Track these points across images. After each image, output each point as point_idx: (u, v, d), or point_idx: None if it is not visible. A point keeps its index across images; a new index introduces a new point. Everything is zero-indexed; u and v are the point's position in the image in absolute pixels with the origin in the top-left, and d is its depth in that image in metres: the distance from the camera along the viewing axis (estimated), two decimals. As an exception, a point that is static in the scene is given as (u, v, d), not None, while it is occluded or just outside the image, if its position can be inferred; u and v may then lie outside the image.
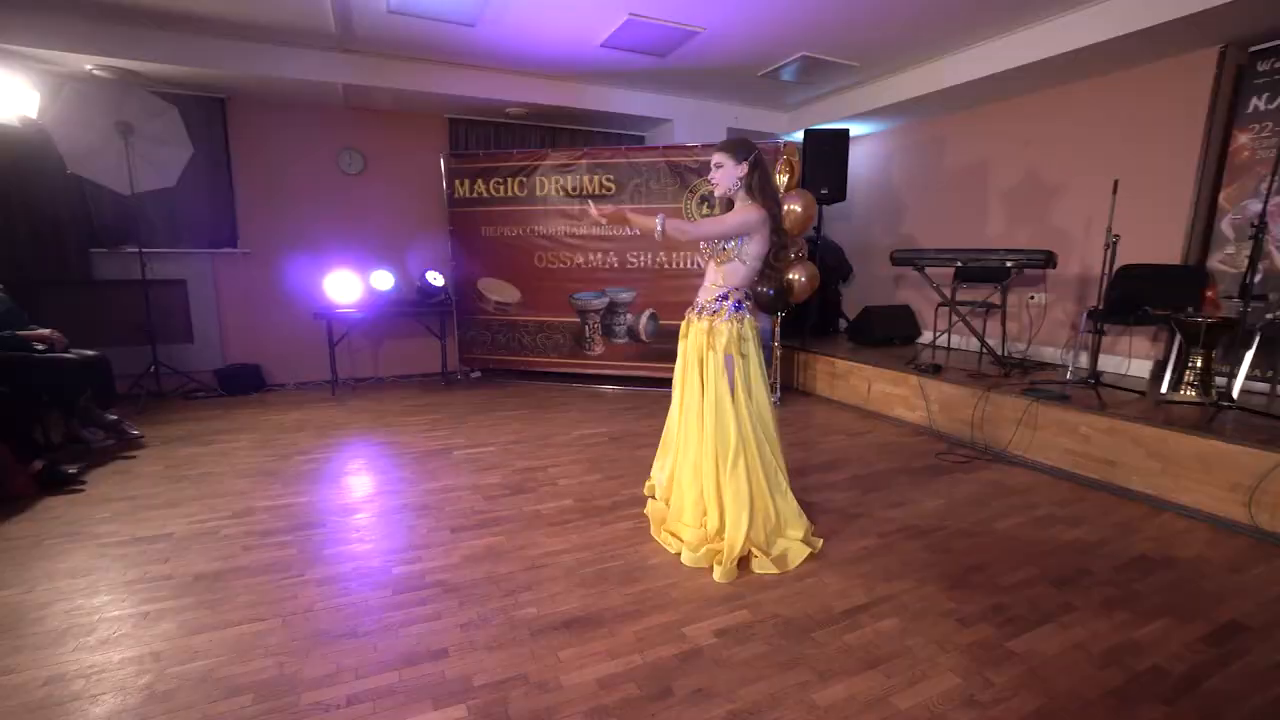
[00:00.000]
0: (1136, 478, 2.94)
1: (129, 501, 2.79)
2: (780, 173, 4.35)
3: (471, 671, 1.67)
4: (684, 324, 2.46)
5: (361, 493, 2.96)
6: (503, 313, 5.42)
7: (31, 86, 3.86)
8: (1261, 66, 3.56)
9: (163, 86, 4.38)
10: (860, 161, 6.18)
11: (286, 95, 4.75)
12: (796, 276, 4.47)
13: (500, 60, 4.67)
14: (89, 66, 4.02)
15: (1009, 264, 3.98)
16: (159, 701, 1.55)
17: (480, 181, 5.21)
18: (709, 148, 4.89)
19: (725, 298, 2.31)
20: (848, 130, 5.25)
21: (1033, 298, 4.70)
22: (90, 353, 3.53)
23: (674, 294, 4.90)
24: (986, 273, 4.35)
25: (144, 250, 4.28)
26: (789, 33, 4.16)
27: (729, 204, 2.35)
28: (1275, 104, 3.52)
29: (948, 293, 4.56)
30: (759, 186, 2.26)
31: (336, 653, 1.75)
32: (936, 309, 4.81)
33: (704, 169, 4.83)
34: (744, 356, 2.30)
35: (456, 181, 5.23)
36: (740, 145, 2.27)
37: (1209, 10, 3.20)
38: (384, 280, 4.99)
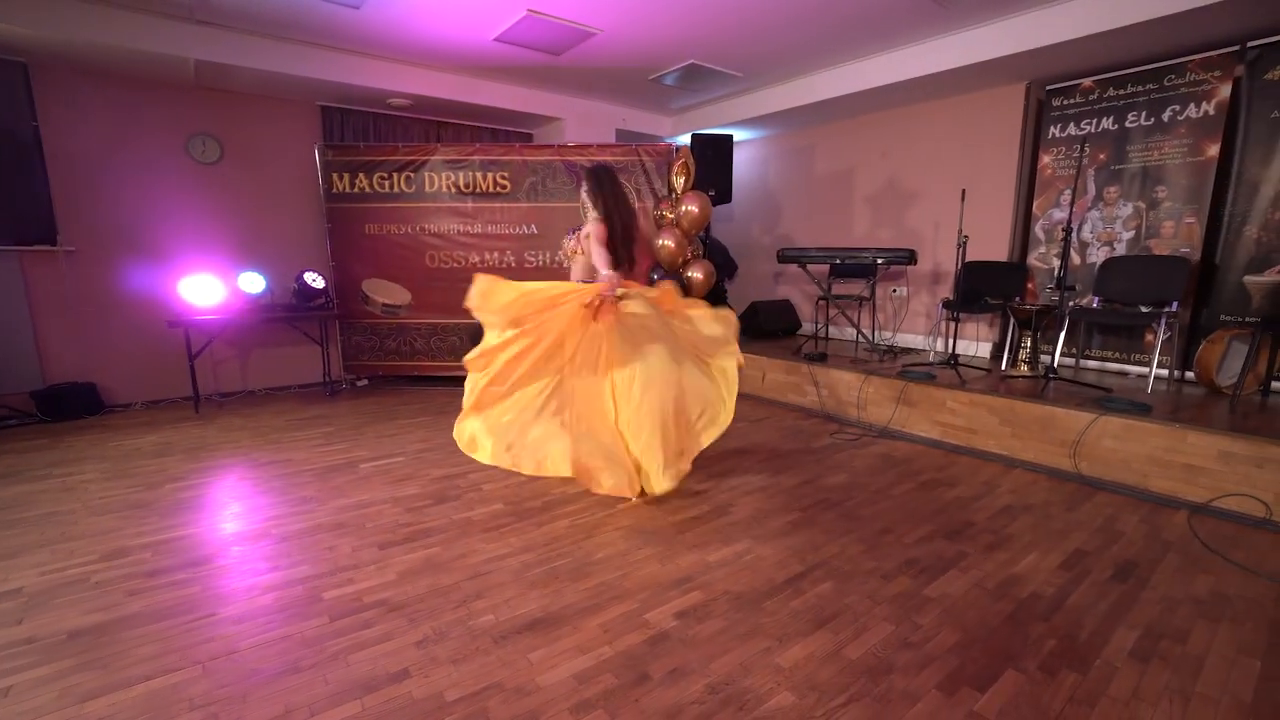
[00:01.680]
0: (993, 441, 3.47)
1: (-51, 557, 2.28)
2: (677, 175, 4.53)
3: (441, 688, 1.60)
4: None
5: (263, 517, 2.66)
6: (392, 315, 5.10)
7: None
8: (1055, 102, 4.35)
9: (-55, 48, 3.58)
10: (741, 165, 6.59)
11: (118, 65, 4.07)
12: (695, 274, 4.68)
13: (384, 47, 4.39)
14: None
15: (879, 260, 4.49)
16: (66, 779, 1.32)
17: (362, 176, 4.85)
18: (604, 147, 5.00)
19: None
20: (731, 135, 5.59)
21: (895, 291, 5.33)
22: None
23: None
24: (858, 269, 4.87)
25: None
26: (681, 40, 4.35)
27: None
28: (1066, 132, 4.31)
29: (824, 288, 5.04)
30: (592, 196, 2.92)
31: (280, 692, 1.59)
32: (816, 302, 5.29)
33: (601, 169, 4.94)
34: None
35: (334, 175, 4.83)
36: (587, 169, 2.99)
37: (1011, 56, 3.92)
38: (254, 283, 4.47)
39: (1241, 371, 3.31)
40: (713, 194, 5.53)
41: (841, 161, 5.72)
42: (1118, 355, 4.21)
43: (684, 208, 4.55)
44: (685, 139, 5.80)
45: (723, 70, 4.96)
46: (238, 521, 2.62)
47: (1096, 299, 4.02)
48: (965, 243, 3.95)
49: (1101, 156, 4.19)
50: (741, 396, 4.96)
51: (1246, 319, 3.65)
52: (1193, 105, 3.82)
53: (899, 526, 2.58)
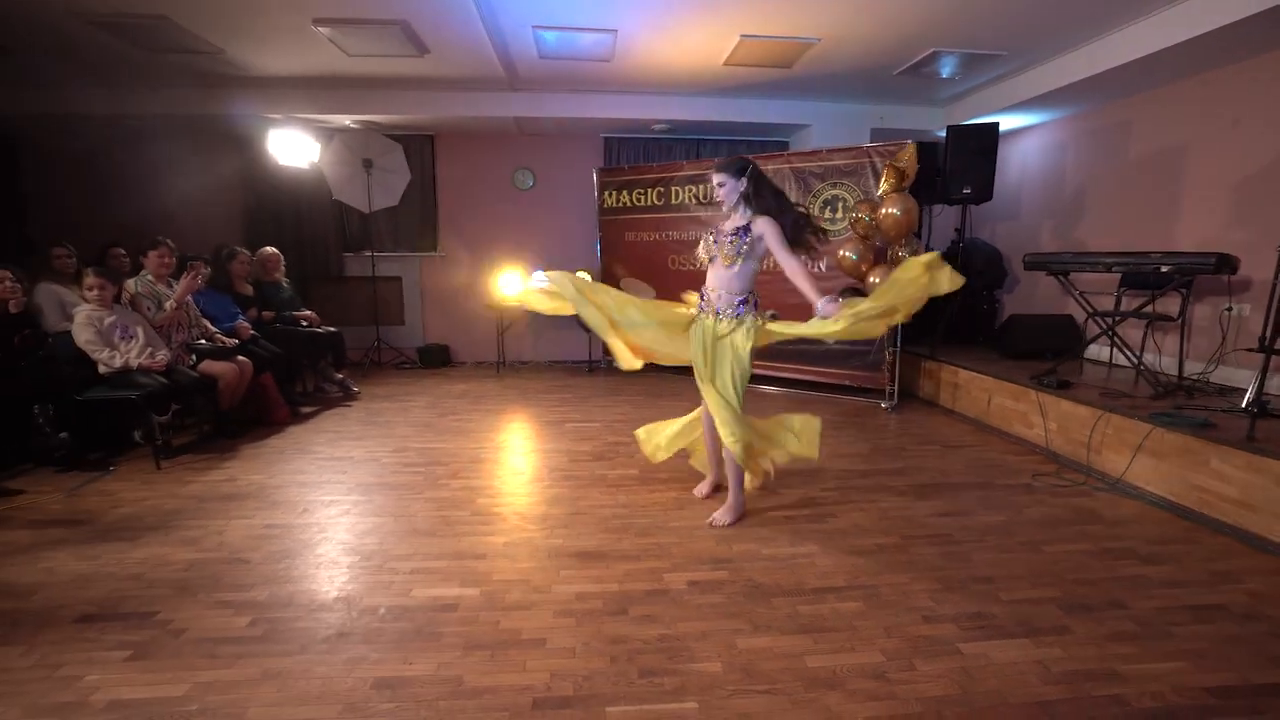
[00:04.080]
0: (1278, 526, 2.46)
1: (336, 434, 3.94)
2: (886, 179, 4.27)
3: (494, 570, 2.25)
4: (692, 320, 2.74)
5: (484, 446, 3.77)
6: (638, 309, 6.03)
7: (313, 139, 5.46)
8: None
9: (393, 130, 5.80)
10: (1030, 155, 5.57)
11: (475, 129, 5.92)
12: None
13: (639, 85, 5.26)
14: (348, 121, 5.53)
15: (1164, 269, 3.43)
16: (311, 550, 2.39)
17: (625, 192, 5.88)
18: (834, 151, 4.97)
19: (745, 301, 2.57)
20: (997, 124, 4.84)
21: (1229, 309, 3.91)
22: (332, 329, 4.92)
23: (794, 298, 5.03)
24: (1144, 279, 3.77)
25: (375, 254, 5.73)
26: (908, 31, 4.07)
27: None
28: None
29: (1111, 302, 4.02)
30: (755, 195, 2.52)
31: (418, 542, 2.46)
32: (1086, 320, 4.23)
33: (827, 173, 4.94)
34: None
35: (606, 193, 5.97)
36: (735, 163, 2.56)
37: None
38: (542, 279, 5.91)
39: None
40: (967, 191, 4.92)
41: (1168, 138, 4.38)
42: None
43: (884, 210, 4.27)
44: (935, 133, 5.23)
45: (978, 52, 4.39)
46: (469, 446, 3.76)
47: None
48: (1289, 246, 2.78)
49: None
50: (962, 419, 4.41)
51: None
52: None
53: (1006, 580, 2.20)
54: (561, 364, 6.51)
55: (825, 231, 2.83)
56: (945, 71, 4.87)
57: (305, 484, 3.09)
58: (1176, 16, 3.61)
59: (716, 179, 2.57)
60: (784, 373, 5.28)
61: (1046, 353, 4.87)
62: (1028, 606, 2.04)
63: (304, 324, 4.80)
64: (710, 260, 2.63)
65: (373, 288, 5.78)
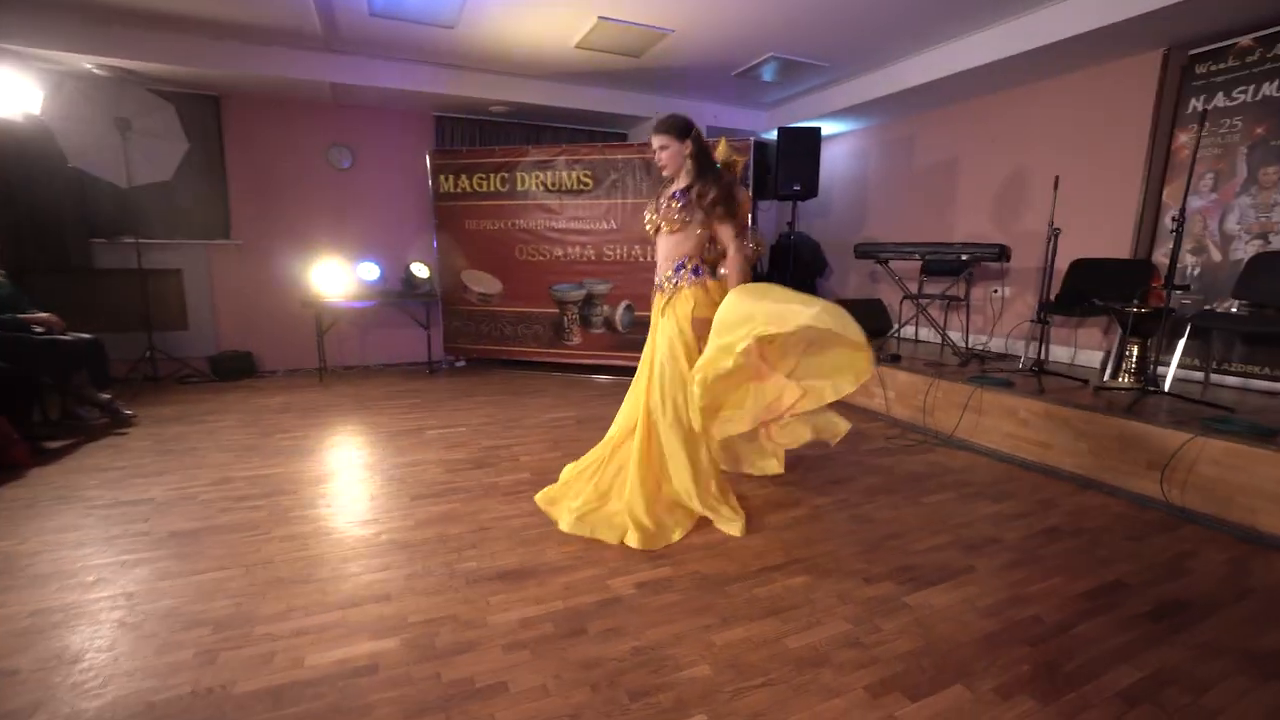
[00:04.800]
0: (1068, 459, 3.08)
1: (118, 471, 2.99)
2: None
3: (408, 611, 1.85)
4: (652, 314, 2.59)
5: (332, 465, 3.15)
6: (485, 303, 5.61)
7: (35, 84, 4.08)
8: (1200, 69, 3.70)
9: (160, 85, 4.59)
10: (840, 159, 6.33)
11: (278, 93, 4.96)
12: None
13: (481, 60, 4.86)
14: (88, 65, 4.24)
15: (964, 257, 4.13)
16: (128, 630, 1.74)
17: (464, 177, 5.40)
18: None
19: (682, 266, 2.47)
20: (819, 128, 5.41)
21: (996, 291, 4.84)
22: (85, 336, 3.73)
23: (650, 285, 5.06)
24: (946, 266, 4.50)
25: (140, 241, 4.49)
26: (755, 34, 4.32)
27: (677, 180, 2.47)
28: (1213, 103, 3.65)
29: (914, 287, 4.71)
30: (700, 158, 2.39)
31: (289, 595, 1.94)
32: (901, 302, 4.96)
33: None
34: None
35: (441, 177, 5.42)
36: (678, 122, 2.38)
37: (1149, 14, 3.35)
38: (370, 272, 5.19)
39: None
40: (796, 188, 5.41)
41: (944, 152, 5.29)
42: (1268, 371, 3.50)
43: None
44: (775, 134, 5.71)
45: (807, 61, 4.83)
46: (314, 468, 3.12)
47: (1236, 303, 3.39)
48: (1056, 236, 3.52)
49: (1259, 130, 3.51)
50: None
51: None
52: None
53: (912, 534, 2.43)
54: (396, 367, 5.79)
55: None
56: (767, 76, 5.27)
57: (83, 544, 2.27)
58: (953, 52, 4.35)
59: (657, 141, 2.39)
60: (616, 360, 5.31)
61: (869, 332, 5.57)
62: (936, 554, 2.27)
63: (38, 330, 3.57)
64: (656, 232, 2.48)
65: (142, 284, 4.51)
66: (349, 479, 2.97)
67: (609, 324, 5.38)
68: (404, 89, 4.88)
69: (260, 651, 1.66)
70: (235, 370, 5.06)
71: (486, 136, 5.88)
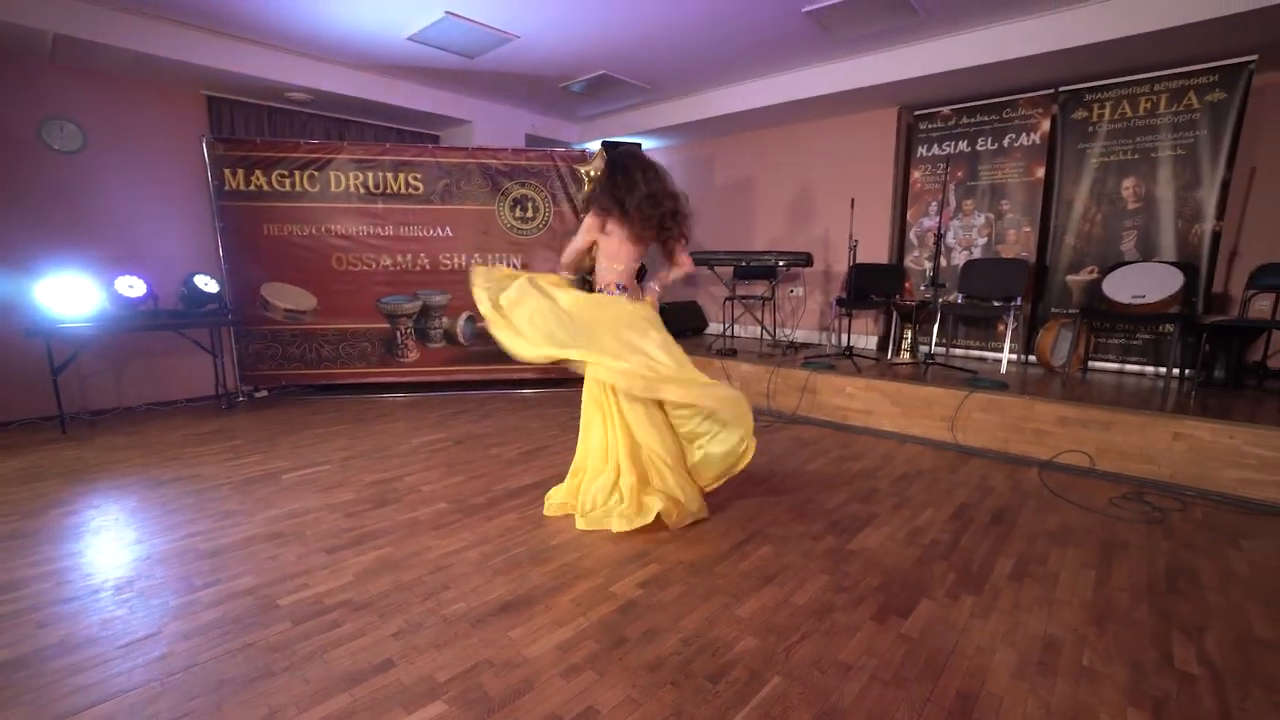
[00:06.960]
0: (887, 421, 3.95)
1: None
2: (589, 185, 4.72)
3: (429, 671, 1.65)
4: None
5: (181, 533, 2.48)
6: (295, 321, 4.80)
7: None
8: (922, 126, 5.04)
9: None
10: (647, 174, 6.86)
11: (-44, 42, 3.56)
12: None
13: (281, 36, 4.17)
14: None
15: (780, 263, 4.93)
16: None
17: (259, 173, 4.55)
18: (520, 152, 5.05)
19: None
20: (640, 144, 5.84)
21: (793, 291, 5.84)
22: None
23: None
24: (762, 271, 5.29)
25: None
26: (594, 50, 4.53)
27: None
28: (932, 152, 5.00)
29: (730, 289, 5.42)
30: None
31: (258, 695, 1.55)
32: (723, 303, 5.66)
33: (514, 172, 4.99)
34: None
35: (226, 171, 4.48)
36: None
37: (885, 84, 4.49)
38: (133, 287, 4.04)
39: (1069, 353, 4.04)
40: (625, 200, 5.75)
41: (740, 172, 6.17)
42: (978, 343, 4.93)
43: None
44: (594, 145, 5.97)
45: (630, 82, 5.20)
46: (152, 541, 2.42)
47: (960, 296, 4.70)
48: (856, 246, 4.46)
49: (959, 174, 4.90)
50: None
51: (1070, 310, 4.44)
52: (1024, 134, 4.59)
53: (818, 496, 2.91)
54: (171, 405, 4.61)
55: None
56: (578, 89, 5.50)
57: None
58: (746, 92, 5.15)
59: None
60: (461, 376, 5.11)
61: (687, 330, 6.22)
62: (845, 507, 2.77)
63: None
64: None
65: None
66: (221, 545, 2.38)
67: (449, 337, 5.06)
68: (170, 58, 3.91)
69: (275, 765, 1.34)
70: (-98, 433, 3.50)
71: (277, 126, 5.02)
